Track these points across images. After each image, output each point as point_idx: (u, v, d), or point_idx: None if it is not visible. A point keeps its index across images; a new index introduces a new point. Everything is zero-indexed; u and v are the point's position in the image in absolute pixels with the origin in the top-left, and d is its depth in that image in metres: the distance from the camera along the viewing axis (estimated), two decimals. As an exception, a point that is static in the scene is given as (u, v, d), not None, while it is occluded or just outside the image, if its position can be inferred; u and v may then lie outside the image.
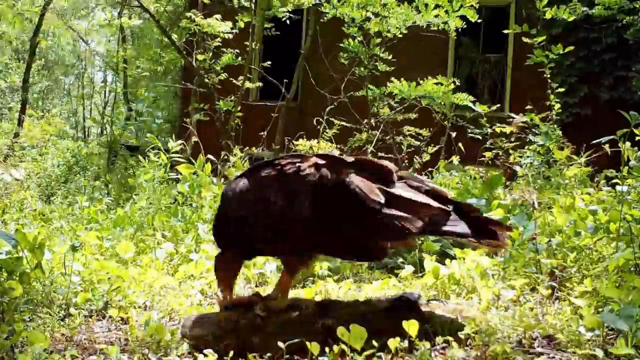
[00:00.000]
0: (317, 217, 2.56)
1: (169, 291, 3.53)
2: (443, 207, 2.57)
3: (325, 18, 9.00)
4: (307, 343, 2.42)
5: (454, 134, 9.30)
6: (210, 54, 10.96)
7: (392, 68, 9.07)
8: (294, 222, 2.58)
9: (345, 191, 2.56)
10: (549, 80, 7.49)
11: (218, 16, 10.39)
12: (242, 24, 10.43)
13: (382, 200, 2.54)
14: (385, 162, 2.75)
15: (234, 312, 2.72)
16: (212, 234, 2.86)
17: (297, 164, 2.65)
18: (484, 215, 2.76)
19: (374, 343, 2.41)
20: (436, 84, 8.77)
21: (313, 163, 2.64)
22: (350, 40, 8.75)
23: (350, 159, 2.72)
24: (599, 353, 2.30)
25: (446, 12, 8.24)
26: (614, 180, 4.38)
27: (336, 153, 5.93)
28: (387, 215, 2.53)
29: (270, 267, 3.96)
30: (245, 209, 2.64)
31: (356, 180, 2.58)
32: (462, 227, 2.54)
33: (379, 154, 8.82)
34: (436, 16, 8.32)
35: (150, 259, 4.16)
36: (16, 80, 18.95)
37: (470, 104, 8.61)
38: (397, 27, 8.44)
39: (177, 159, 6.33)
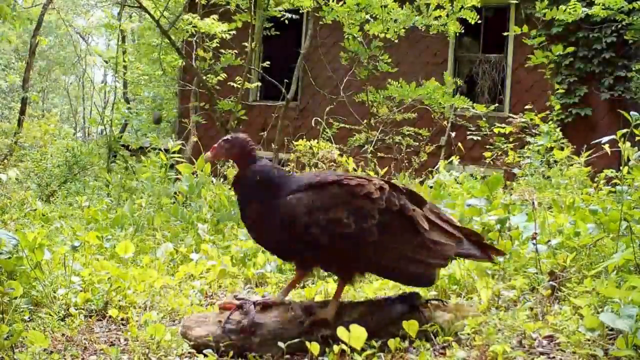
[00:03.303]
0: (381, 239, 2.58)
1: (169, 291, 3.53)
2: (459, 234, 2.75)
3: (323, 20, 9.00)
4: (307, 343, 2.42)
5: (453, 134, 9.32)
6: (210, 55, 10.96)
7: (395, 70, 9.07)
8: (363, 244, 2.57)
9: (404, 216, 2.64)
10: (550, 82, 7.49)
11: (215, 16, 10.39)
12: (239, 24, 10.42)
13: (427, 227, 2.66)
14: (419, 192, 2.91)
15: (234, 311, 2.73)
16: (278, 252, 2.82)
17: (366, 187, 2.63)
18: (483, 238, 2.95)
19: (374, 343, 2.41)
20: (438, 84, 8.78)
21: (379, 187, 2.65)
22: (351, 40, 8.75)
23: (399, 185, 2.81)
24: (599, 353, 2.31)
25: (447, 15, 8.24)
26: (614, 181, 4.38)
27: (336, 153, 5.93)
28: (430, 240, 2.64)
29: (270, 267, 3.96)
30: (316, 227, 2.54)
31: (410, 206, 2.67)
32: (475, 251, 2.77)
33: (379, 154, 8.83)
34: (436, 18, 8.32)
35: (150, 259, 4.16)
36: (16, 80, 18.93)
37: (469, 107, 8.62)
38: (395, 31, 8.45)
39: (177, 158, 6.33)
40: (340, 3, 8.56)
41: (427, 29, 8.66)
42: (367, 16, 8.47)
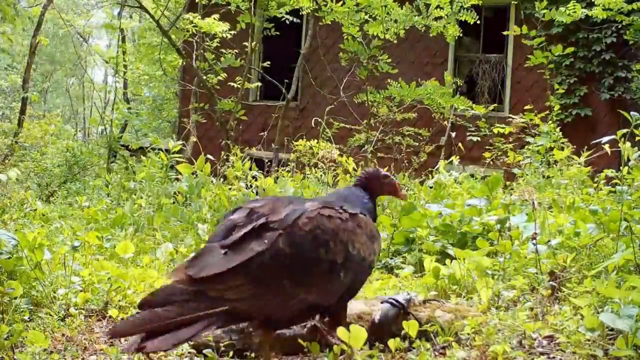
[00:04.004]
0: None
1: (169, 291, 3.52)
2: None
3: (323, 21, 9.02)
4: (307, 343, 2.42)
5: (453, 134, 9.32)
6: (211, 55, 10.97)
7: (395, 71, 9.07)
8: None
9: None
10: (549, 82, 7.50)
11: (216, 16, 10.40)
12: (243, 25, 10.44)
13: None
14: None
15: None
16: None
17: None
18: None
19: (374, 343, 2.41)
20: (437, 84, 8.78)
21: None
22: (350, 40, 8.76)
23: None
24: (599, 353, 2.31)
25: (447, 15, 8.24)
26: (614, 181, 4.38)
27: (336, 153, 5.94)
28: None
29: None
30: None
31: None
32: None
33: (379, 154, 8.84)
34: (436, 19, 8.32)
35: (150, 259, 4.16)
36: (17, 81, 18.97)
37: (468, 108, 8.62)
38: (395, 32, 8.45)
39: (177, 158, 6.33)
40: (340, 3, 8.56)
41: (427, 29, 8.66)
42: (367, 16, 8.47)
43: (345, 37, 8.94)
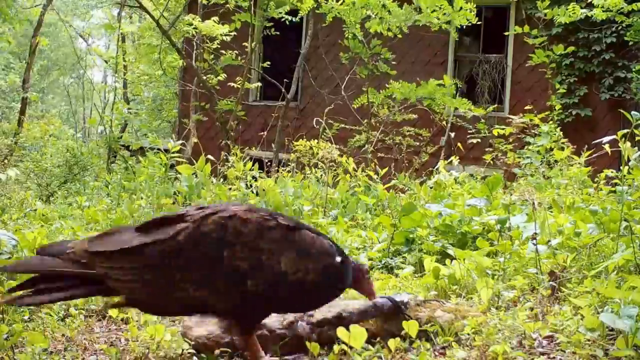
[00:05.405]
0: None
1: (169, 291, 3.52)
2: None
3: (325, 21, 9.03)
4: (307, 343, 2.42)
5: (453, 134, 9.33)
6: (211, 56, 10.99)
7: (394, 72, 9.08)
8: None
9: None
10: (551, 82, 7.51)
11: (215, 18, 10.41)
12: (238, 24, 10.43)
13: None
14: None
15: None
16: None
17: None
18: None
19: (374, 342, 2.41)
20: (438, 85, 8.79)
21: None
22: (351, 39, 8.77)
23: None
24: (599, 353, 2.31)
25: (445, 14, 8.25)
26: (614, 181, 4.38)
27: (336, 153, 5.95)
28: None
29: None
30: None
31: None
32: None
33: (379, 154, 8.84)
34: (437, 18, 8.33)
35: (150, 259, 4.15)
36: (16, 80, 18.96)
37: (468, 110, 8.63)
38: (397, 27, 8.45)
39: (177, 158, 6.33)
40: (340, 2, 8.57)
41: (430, 25, 8.64)
42: (368, 12, 8.46)
43: (345, 36, 8.94)
